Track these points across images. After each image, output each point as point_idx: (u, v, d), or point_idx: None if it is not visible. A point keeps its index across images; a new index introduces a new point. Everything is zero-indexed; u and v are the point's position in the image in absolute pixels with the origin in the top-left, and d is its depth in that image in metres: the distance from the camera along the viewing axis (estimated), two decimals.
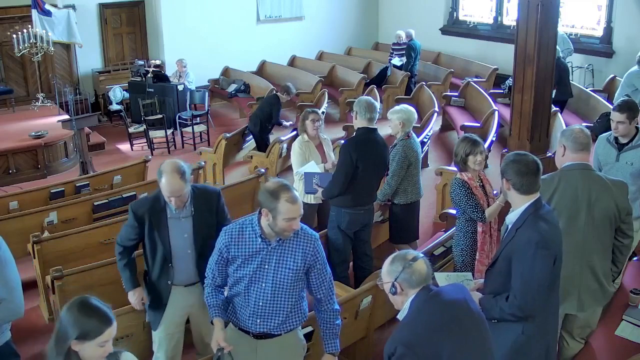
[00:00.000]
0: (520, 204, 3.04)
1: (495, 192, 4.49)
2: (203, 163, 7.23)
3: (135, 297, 3.77)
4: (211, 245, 3.44)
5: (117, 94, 10.92)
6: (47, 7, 10.33)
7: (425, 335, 2.43)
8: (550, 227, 3.00)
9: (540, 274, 2.91)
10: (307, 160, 5.48)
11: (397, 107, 5.34)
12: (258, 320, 3.15)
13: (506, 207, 4.08)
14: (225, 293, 3.28)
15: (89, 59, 11.45)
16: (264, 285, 3.10)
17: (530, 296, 2.90)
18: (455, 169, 6.20)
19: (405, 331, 2.47)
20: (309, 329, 3.84)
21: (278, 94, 8.49)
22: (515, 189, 3.02)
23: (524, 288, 2.90)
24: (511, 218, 3.10)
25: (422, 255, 2.61)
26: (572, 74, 10.27)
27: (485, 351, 2.57)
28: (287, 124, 8.67)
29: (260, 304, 3.12)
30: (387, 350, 2.48)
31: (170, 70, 11.21)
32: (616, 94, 7.80)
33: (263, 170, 6.82)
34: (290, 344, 3.28)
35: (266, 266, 3.09)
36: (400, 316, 2.60)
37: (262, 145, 8.23)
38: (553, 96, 6.85)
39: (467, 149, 4.20)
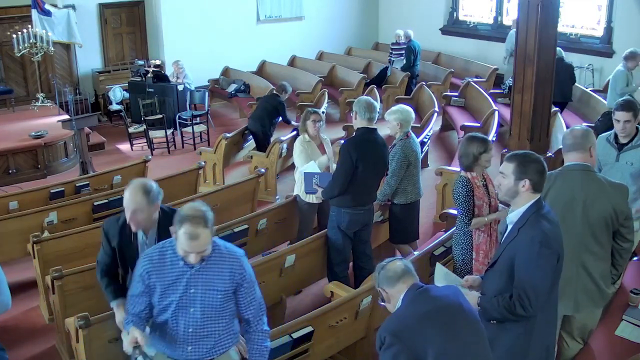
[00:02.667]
0: (522, 203, 3.02)
1: (497, 191, 4.49)
2: (203, 163, 7.22)
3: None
4: None
5: (117, 94, 10.91)
6: (47, 7, 10.34)
7: (412, 325, 2.51)
8: (553, 226, 2.99)
9: (544, 273, 2.91)
10: (310, 159, 5.49)
11: (393, 108, 5.33)
12: (189, 348, 3.00)
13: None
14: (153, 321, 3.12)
15: (89, 59, 11.45)
16: (192, 310, 2.95)
17: (534, 295, 2.89)
18: (456, 169, 6.21)
19: (393, 321, 2.57)
20: (309, 329, 3.84)
21: (276, 93, 8.51)
22: (534, 188, 2.99)
23: (528, 287, 2.89)
24: (512, 217, 3.09)
25: (399, 258, 2.74)
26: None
27: (478, 347, 2.58)
28: (295, 123, 8.68)
29: (190, 330, 2.98)
30: (377, 341, 2.57)
31: (170, 70, 11.21)
32: (608, 99, 7.76)
33: (263, 170, 6.83)
34: None
35: (192, 290, 2.94)
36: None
37: (263, 145, 8.23)
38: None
39: (481, 148, 4.17)
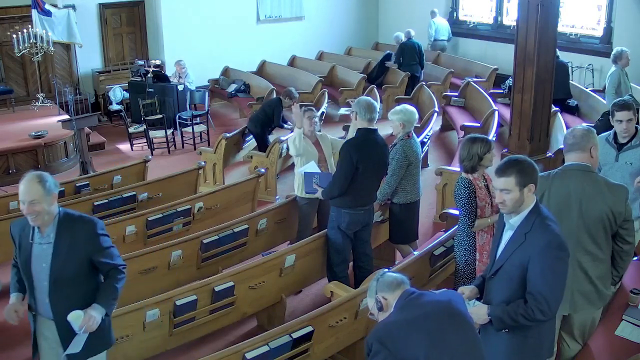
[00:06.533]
0: (523, 208, 2.99)
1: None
2: (203, 163, 7.23)
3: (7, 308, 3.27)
4: (73, 282, 3.14)
5: (117, 94, 10.92)
6: (47, 7, 10.32)
7: (398, 332, 2.52)
8: (559, 227, 2.98)
9: (562, 276, 2.90)
10: (302, 154, 5.52)
11: (397, 108, 5.33)
12: None
13: None
14: None
15: (89, 59, 11.45)
16: None
17: (553, 300, 2.87)
18: (456, 169, 6.20)
19: (381, 328, 2.59)
20: (309, 329, 3.85)
21: (281, 97, 8.53)
22: (534, 191, 2.97)
23: (547, 292, 2.85)
24: (513, 222, 3.04)
25: (389, 270, 2.81)
26: (572, 74, 10.27)
27: (468, 354, 2.57)
28: (289, 126, 8.67)
29: None
30: (365, 348, 2.61)
31: (170, 71, 11.21)
32: (606, 100, 7.75)
33: (263, 170, 6.83)
34: None
35: None
36: None
37: (263, 145, 8.24)
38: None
39: (485, 148, 4.18)
